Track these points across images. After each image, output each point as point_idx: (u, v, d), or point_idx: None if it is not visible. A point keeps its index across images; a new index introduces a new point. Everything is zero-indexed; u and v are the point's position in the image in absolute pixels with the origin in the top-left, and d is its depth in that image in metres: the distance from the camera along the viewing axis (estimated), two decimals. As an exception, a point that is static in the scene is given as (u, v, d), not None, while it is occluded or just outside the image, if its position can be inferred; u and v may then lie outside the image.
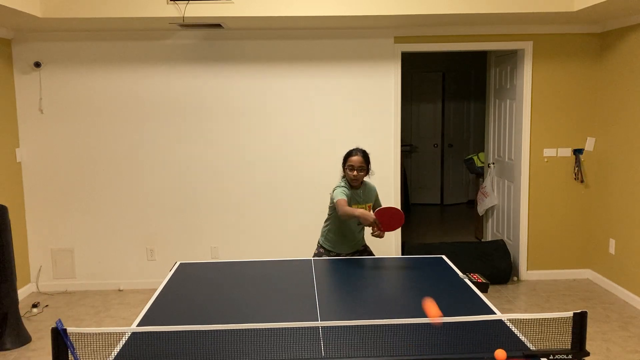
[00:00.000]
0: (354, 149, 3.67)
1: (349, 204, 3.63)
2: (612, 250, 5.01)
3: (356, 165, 3.60)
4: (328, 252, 3.79)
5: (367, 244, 4.11)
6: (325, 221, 3.84)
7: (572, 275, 5.42)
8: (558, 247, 5.40)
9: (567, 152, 5.30)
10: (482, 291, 2.85)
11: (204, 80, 5.16)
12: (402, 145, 5.44)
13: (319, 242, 3.88)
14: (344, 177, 3.71)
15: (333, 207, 3.71)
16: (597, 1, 4.04)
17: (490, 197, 6.01)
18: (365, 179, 3.77)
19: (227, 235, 5.33)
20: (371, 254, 3.87)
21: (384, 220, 3.37)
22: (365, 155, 3.64)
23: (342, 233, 3.74)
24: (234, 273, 3.20)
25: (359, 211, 3.39)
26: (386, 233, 5.29)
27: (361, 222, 3.43)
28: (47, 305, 4.91)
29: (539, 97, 5.23)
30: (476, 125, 8.87)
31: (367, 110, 5.23)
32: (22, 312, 4.73)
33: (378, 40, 5.15)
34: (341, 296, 2.77)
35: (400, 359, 2.04)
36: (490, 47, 5.19)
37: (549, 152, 5.29)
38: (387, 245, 5.35)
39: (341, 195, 3.57)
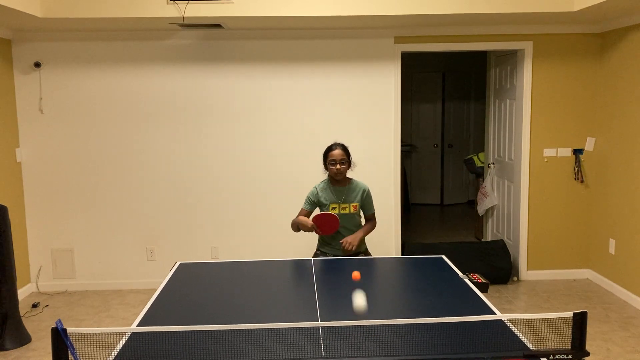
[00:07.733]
0: (332, 144, 3.70)
1: (328, 204, 3.69)
2: (612, 250, 5.01)
3: (337, 158, 3.61)
4: (325, 254, 3.79)
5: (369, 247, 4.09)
6: None
7: (572, 275, 5.42)
8: (558, 247, 5.40)
9: (567, 152, 5.30)
10: (482, 291, 2.85)
11: (204, 80, 5.16)
12: (402, 145, 5.43)
13: (317, 245, 3.89)
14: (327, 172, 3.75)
15: None
16: (597, 1, 4.03)
17: (490, 197, 6.00)
18: (356, 178, 3.77)
19: (227, 235, 5.33)
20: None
21: (321, 224, 3.57)
22: (345, 149, 3.68)
23: (330, 236, 3.74)
24: (234, 273, 3.20)
25: (299, 219, 3.60)
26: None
27: (301, 229, 3.61)
28: (47, 305, 4.91)
29: (539, 97, 5.23)
30: (476, 125, 8.86)
31: (367, 111, 5.23)
32: (22, 312, 4.73)
33: (378, 40, 5.15)
34: (341, 296, 2.77)
35: (400, 359, 2.04)
36: (490, 47, 5.19)
37: (549, 152, 5.29)
38: (387, 245, 5.35)
39: (303, 206, 3.75)
